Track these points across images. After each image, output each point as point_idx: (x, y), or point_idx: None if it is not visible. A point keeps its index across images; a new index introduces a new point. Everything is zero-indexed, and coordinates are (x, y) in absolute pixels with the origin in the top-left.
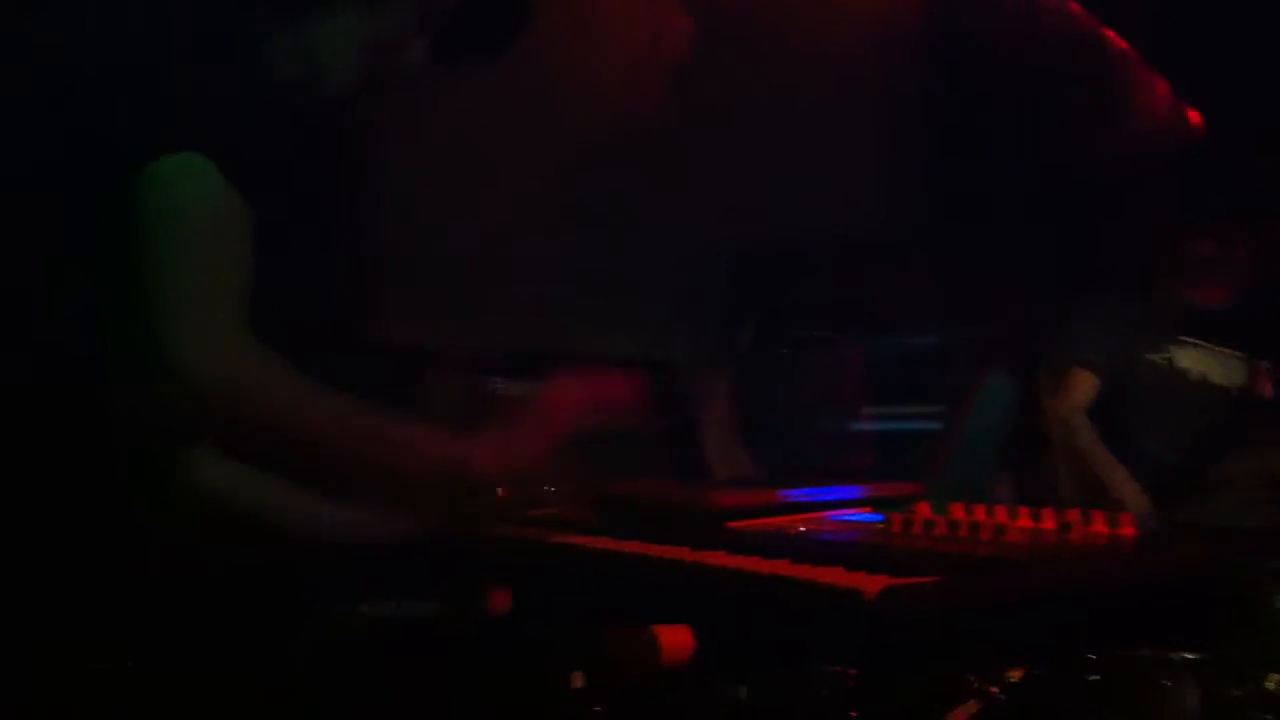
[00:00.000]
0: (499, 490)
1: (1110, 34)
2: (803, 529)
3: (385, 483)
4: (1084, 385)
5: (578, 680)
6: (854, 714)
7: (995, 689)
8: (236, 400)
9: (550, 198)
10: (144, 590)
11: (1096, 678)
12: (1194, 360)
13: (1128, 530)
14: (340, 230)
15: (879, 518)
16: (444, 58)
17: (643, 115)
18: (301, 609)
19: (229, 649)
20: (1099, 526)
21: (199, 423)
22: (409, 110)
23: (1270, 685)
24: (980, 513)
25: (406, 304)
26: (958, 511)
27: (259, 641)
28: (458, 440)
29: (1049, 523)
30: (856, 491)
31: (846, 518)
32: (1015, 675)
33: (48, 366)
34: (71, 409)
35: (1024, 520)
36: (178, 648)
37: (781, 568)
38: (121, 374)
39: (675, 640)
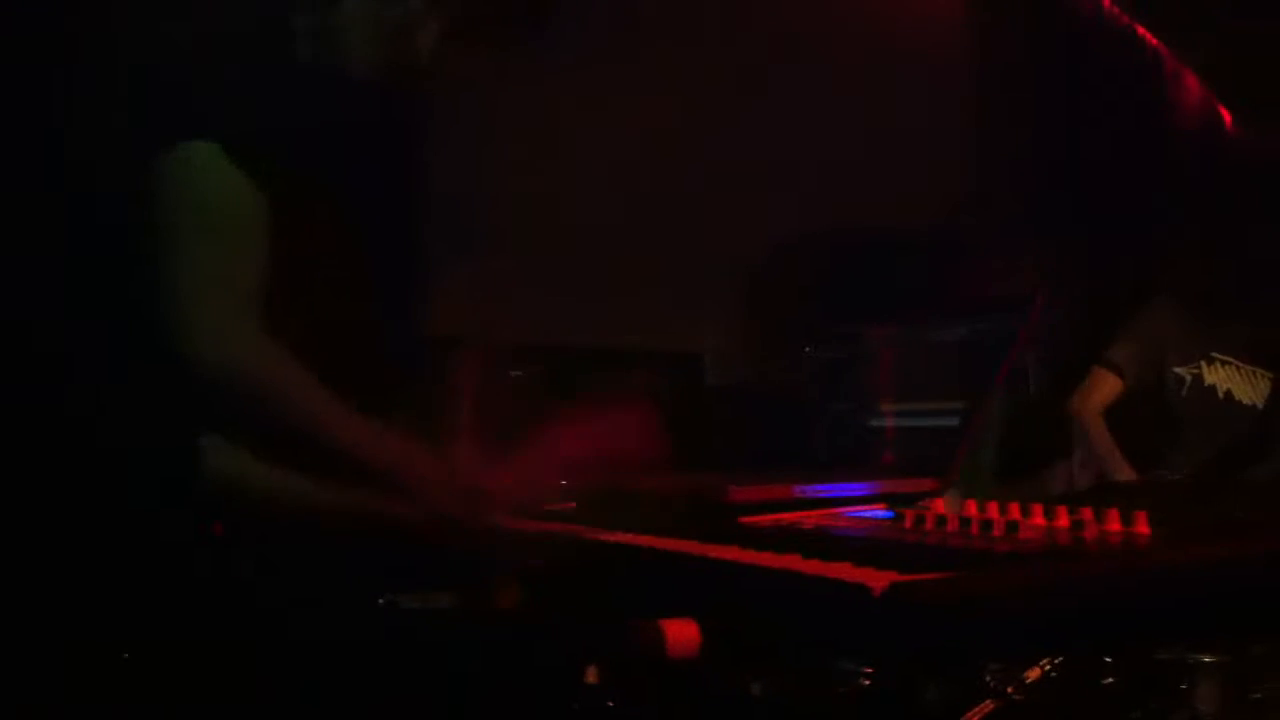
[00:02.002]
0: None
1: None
2: (815, 524)
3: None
4: (1106, 387)
5: (592, 674)
6: (871, 713)
7: (1012, 689)
8: (233, 385)
9: (599, 189)
10: (158, 582)
11: (1112, 679)
12: (1222, 377)
13: (1142, 529)
14: (378, 217)
15: (892, 514)
16: (471, 40)
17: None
18: (320, 600)
19: (242, 635)
20: (1113, 525)
21: (207, 410)
22: (460, 99)
23: None
24: (993, 510)
25: (445, 293)
26: (970, 508)
27: (275, 629)
28: (416, 458)
29: (1063, 520)
30: (872, 488)
31: (860, 514)
32: (1032, 675)
33: (61, 358)
34: (83, 400)
35: (1038, 518)
36: (190, 636)
37: (791, 562)
38: (134, 364)
39: (681, 634)
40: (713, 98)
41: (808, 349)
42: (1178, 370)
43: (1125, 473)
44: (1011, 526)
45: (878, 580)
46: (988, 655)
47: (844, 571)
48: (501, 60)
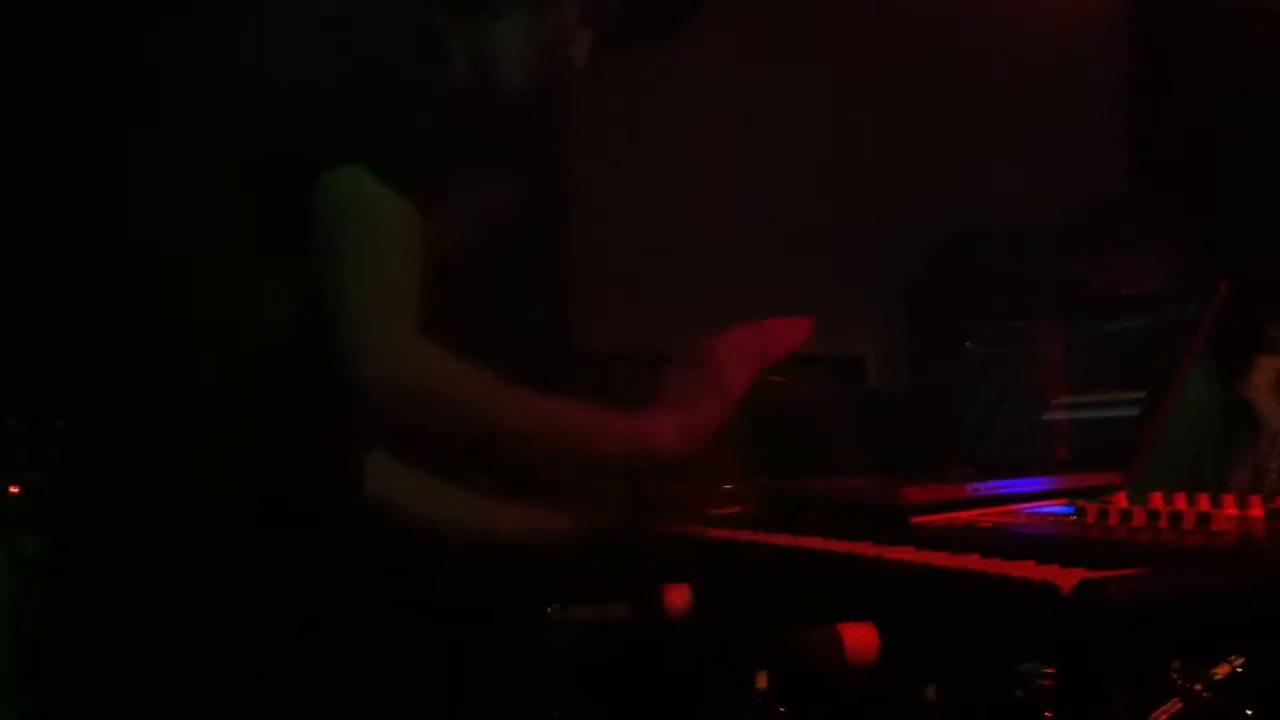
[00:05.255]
0: (678, 488)
1: None
2: (993, 523)
3: (571, 474)
4: (1272, 370)
5: (762, 680)
6: (1049, 715)
7: (1200, 687)
8: (420, 402)
9: (746, 192)
10: (320, 599)
11: None
12: None
13: None
14: (525, 230)
15: (1073, 509)
16: (614, 49)
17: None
18: (494, 614)
19: (404, 654)
20: None
21: (381, 428)
22: (609, 105)
23: None
24: (1181, 501)
25: (595, 304)
26: (1157, 501)
27: (443, 645)
28: (641, 421)
29: (1257, 510)
30: (1050, 483)
31: (1039, 510)
32: (1221, 672)
33: (227, 377)
34: (249, 419)
35: (1230, 508)
36: (351, 656)
37: (971, 562)
38: (301, 384)
39: (860, 639)
40: (865, 96)
41: (969, 346)
42: None
43: None
44: (1203, 519)
45: (1066, 578)
46: (1178, 653)
47: (1029, 570)
48: (647, 62)
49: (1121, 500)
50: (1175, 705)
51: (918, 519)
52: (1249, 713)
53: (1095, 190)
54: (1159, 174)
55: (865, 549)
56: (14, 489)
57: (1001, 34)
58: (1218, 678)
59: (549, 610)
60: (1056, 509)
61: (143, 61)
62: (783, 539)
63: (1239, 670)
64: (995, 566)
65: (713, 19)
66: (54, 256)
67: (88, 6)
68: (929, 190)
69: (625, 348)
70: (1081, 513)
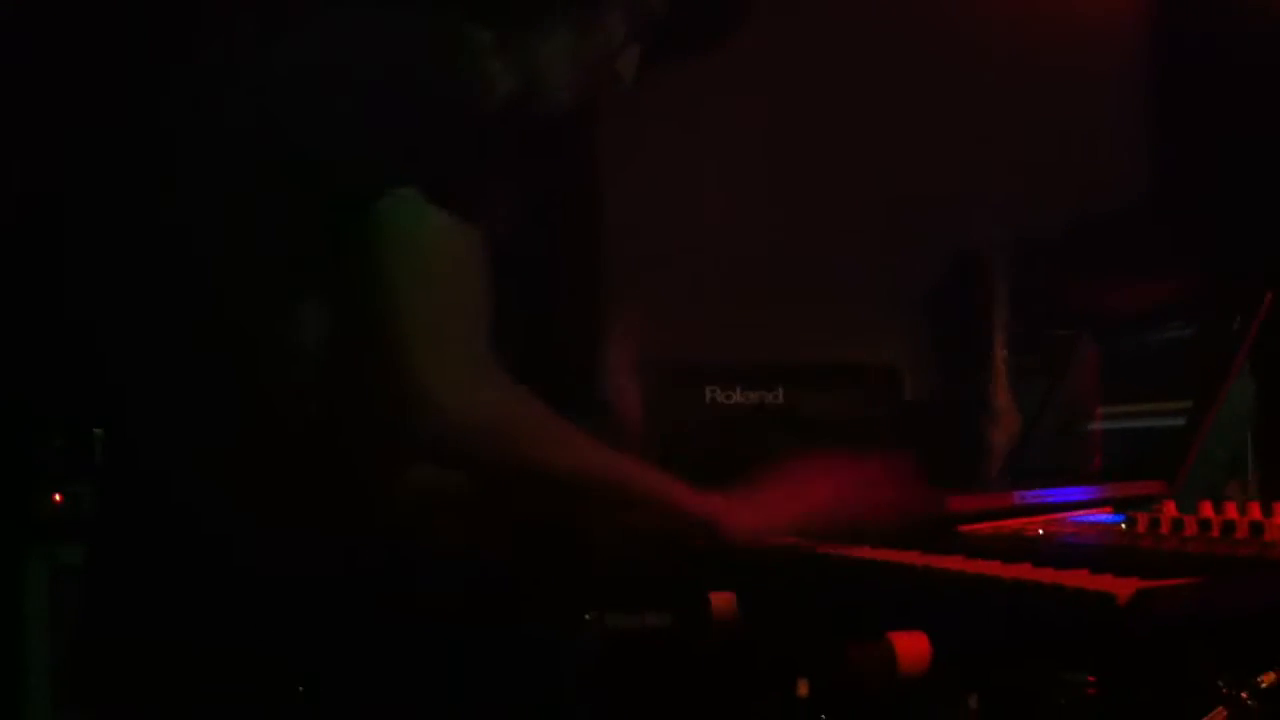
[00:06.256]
0: None
1: None
2: (1041, 531)
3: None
4: None
5: (803, 689)
6: None
7: (1245, 694)
8: (486, 436)
9: (781, 202)
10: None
11: None
12: None
13: None
14: (569, 248)
15: (1121, 518)
16: (654, 62)
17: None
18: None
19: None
20: None
21: (446, 459)
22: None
23: None
24: (1232, 511)
25: (639, 318)
26: (1206, 510)
27: (485, 653)
28: (708, 498)
29: None
30: (1095, 492)
31: (1086, 519)
32: (1267, 680)
33: (279, 411)
34: (304, 452)
35: None
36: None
37: (1023, 572)
38: (360, 416)
39: (912, 648)
40: (899, 106)
41: (1005, 355)
42: None
43: None
44: (1255, 528)
45: (1122, 588)
46: (1232, 663)
47: (1083, 580)
48: (684, 73)
49: (1172, 509)
50: (1221, 714)
51: (963, 528)
52: None
53: (1129, 198)
54: (1196, 181)
55: (914, 558)
56: (57, 497)
57: (1036, 39)
58: (1264, 686)
59: (586, 617)
60: (1102, 518)
61: (186, 72)
62: (829, 547)
63: None
64: (1048, 576)
65: (747, 34)
66: (89, 268)
67: (132, 13)
68: (965, 198)
69: (655, 360)
70: (1131, 522)
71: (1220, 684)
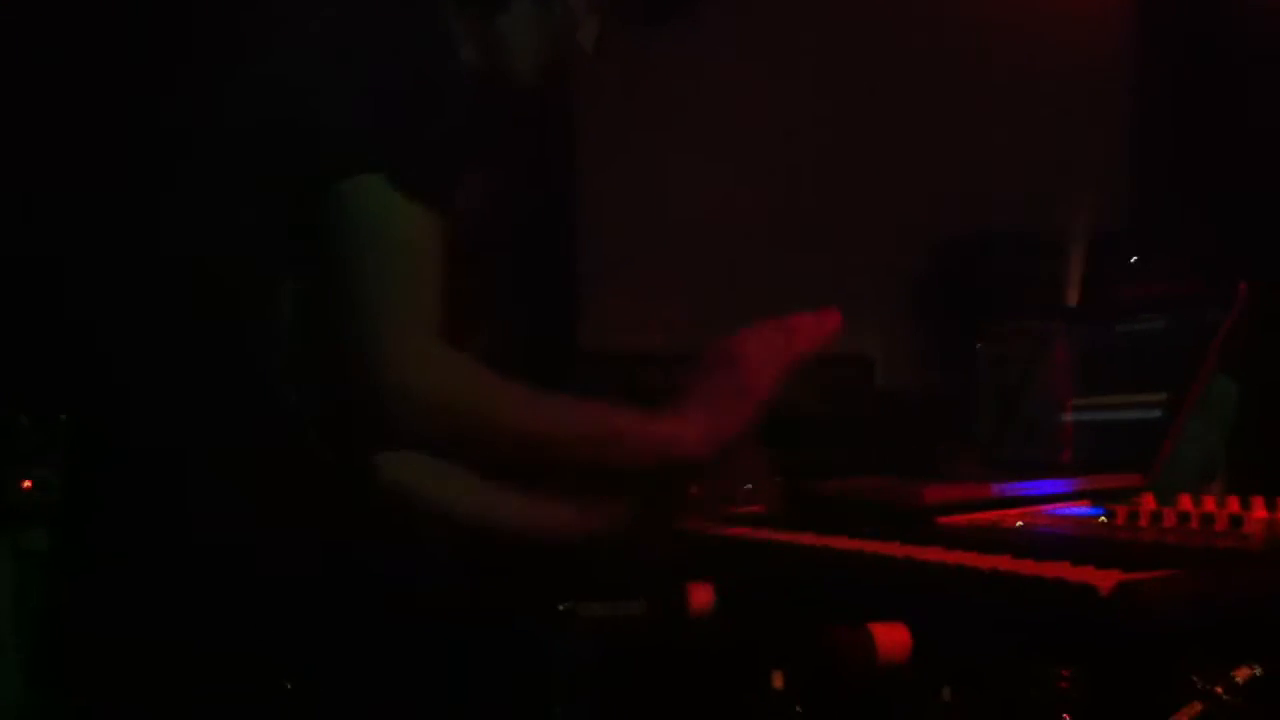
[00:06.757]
0: (693, 488)
1: None
2: (1019, 523)
3: (599, 476)
4: None
5: (778, 680)
6: (1066, 715)
7: (1220, 689)
8: (453, 413)
9: (762, 190)
10: (342, 596)
11: None
12: None
13: None
14: (543, 227)
15: (1100, 511)
16: (621, 29)
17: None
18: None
19: (423, 649)
20: None
21: (412, 438)
22: (610, 97)
23: None
24: (1210, 503)
25: (601, 303)
26: (1185, 503)
27: (462, 641)
28: (666, 423)
29: None
30: (1073, 485)
31: (1064, 512)
32: (1241, 675)
33: (245, 389)
34: (269, 432)
35: (1260, 510)
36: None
37: (1003, 563)
38: (321, 393)
39: (892, 638)
40: (876, 96)
41: (980, 346)
42: None
43: None
44: (1235, 521)
45: (1104, 580)
46: (1207, 657)
47: (1064, 571)
48: (656, 60)
49: (1150, 502)
50: (1196, 708)
51: (942, 519)
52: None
53: (1108, 191)
54: (1172, 174)
55: (894, 549)
56: (26, 484)
57: (1013, 34)
58: (1239, 680)
59: (560, 608)
60: (1079, 510)
61: (160, 64)
62: (808, 538)
63: (1259, 673)
64: (1029, 568)
65: (723, 17)
66: (59, 256)
67: (112, 14)
68: (939, 190)
69: (631, 347)
70: (1111, 514)
71: (1195, 678)
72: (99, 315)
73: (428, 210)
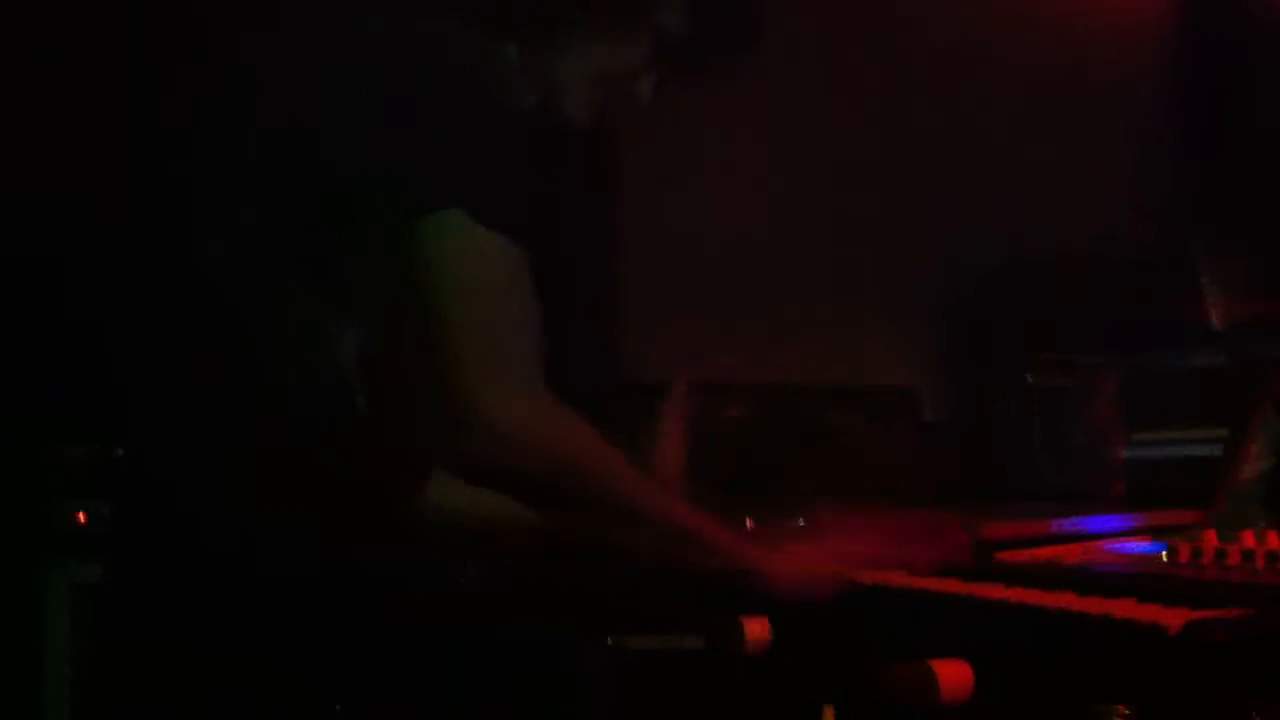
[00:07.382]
0: (748, 523)
1: None
2: (1079, 560)
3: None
4: None
5: (829, 716)
6: None
7: None
8: (533, 453)
9: (799, 222)
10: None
11: None
12: None
13: None
14: (591, 263)
15: (1161, 547)
16: (674, 81)
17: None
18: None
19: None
20: None
21: (492, 479)
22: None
23: None
24: (1274, 540)
25: (641, 333)
26: (1249, 539)
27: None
28: (751, 547)
29: None
30: (1132, 520)
31: (1124, 548)
32: None
33: (300, 424)
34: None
35: None
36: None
37: (1067, 600)
38: (401, 429)
39: (955, 676)
40: (918, 124)
41: (1029, 378)
42: None
43: None
44: None
45: (1172, 618)
46: (1271, 695)
47: (1130, 610)
48: (703, 94)
49: (1213, 539)
50: None
51: (1000, 555)
52: None
53: (1156, 216)
54: (1229, 204)
55: (954, 585)
56: (81, 516)
57: (1051, 59)
58: None
59: (609, 640)
60: (1139, 547)
61: (220, 89)
62: (869, 575)
63: None
64: (1094, 605)
65: (764, 48)
66: (111, 285)
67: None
68: (981, 218)
69: (669, 380)
70: (1173, 551)
71: (1255, 715)
72: (140, 343)
73: (513, 246)
